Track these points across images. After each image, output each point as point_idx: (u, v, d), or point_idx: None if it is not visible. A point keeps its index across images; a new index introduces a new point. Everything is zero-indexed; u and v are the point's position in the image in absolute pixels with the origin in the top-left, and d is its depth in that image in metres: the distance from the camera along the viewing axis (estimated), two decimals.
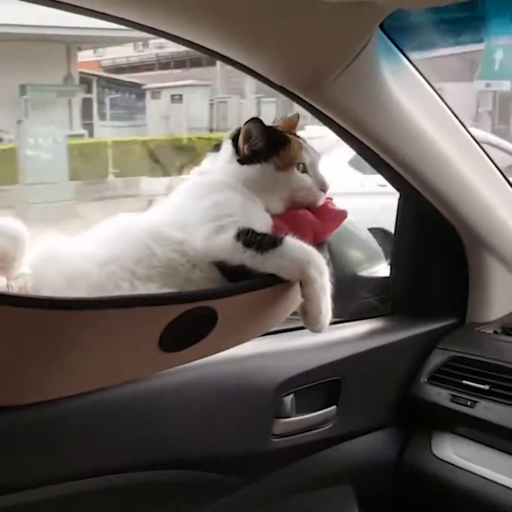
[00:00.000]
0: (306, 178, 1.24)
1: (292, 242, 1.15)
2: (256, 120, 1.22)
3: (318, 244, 1.21)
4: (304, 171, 1.24)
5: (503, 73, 11.39)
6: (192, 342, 1.14)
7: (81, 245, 1.20)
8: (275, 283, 1.16)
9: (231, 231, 1.13)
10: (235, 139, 1.25)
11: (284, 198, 1.24)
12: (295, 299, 1.24)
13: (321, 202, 1.26)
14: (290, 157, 1.23)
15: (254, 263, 1.13)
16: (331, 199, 1.28)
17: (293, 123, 1.32)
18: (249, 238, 1.13)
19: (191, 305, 1.08)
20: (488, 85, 12.42)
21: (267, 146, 1.22)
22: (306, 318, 1.19)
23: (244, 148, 1.23)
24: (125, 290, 1.12)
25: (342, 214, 1.27)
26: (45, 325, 1.02)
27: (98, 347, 1.09)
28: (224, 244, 1.13)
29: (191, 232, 1.16)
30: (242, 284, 1.14)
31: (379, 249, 2.09)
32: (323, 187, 1.25)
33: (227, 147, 1.26)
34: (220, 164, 1.26)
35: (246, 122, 1.23)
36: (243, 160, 1.23)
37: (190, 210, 1.20)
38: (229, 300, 1.12)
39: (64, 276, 1.13)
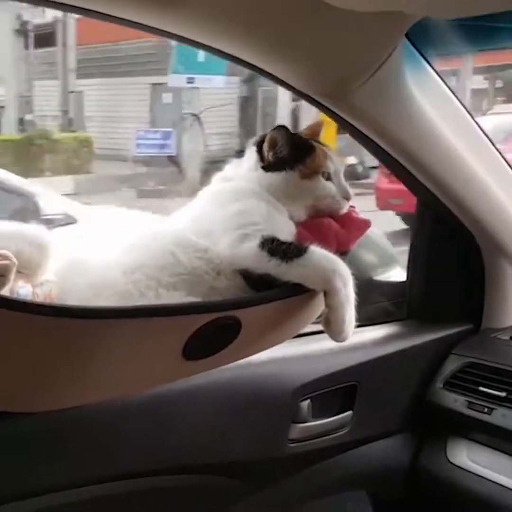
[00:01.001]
0: (330, 186, 1.23)
1: (317, 251, 1.14)
2: (282, 128, 1.22)
3: (342, 253, 1.21)
4: (329, 179, 1.24)
5: (211, 65, 8.59)
6: (215, 350, 1.14)
7: (105, 253, 1.19)
8: (299, 293, 1.15)
9: (255, 239, 1.13)
10: (259, 146, 1.24)
11: (308, 206, 1.23)
12: (318, 308, 1.23)
13: (344, 210, 1.25)
14: (315, 165, 1.23)
15: (279, 272, 1.12)
16: (354, 207, 1.28)
17: (317, 130, 1.32)
18: (274, 246, 1.12)
19: (216, 314, 1.08)
20: (190, 80, 9.30)
21: (292, 154, 1.22)
22: (330, 328, 1.18)
23: (269, 155, 1.22)
24: (150, 298, 1.12)
25: (366, 223, 1.27)
26: (69, 334, 1.02)
27: (121, 356, 1.09)
28: (249, 253, 1.13)
29: (215, 239, 1.16)
30: (266, 293, 1.14)
31: (394, 253, 2.09)
32: (347, 196, 1.25)
33: (250, 154, 1.25)
34: (244, 171, 1.25)
35: (272, 130, 1.22)
36: (267, 167, 1.23)
37: (214, 217, 1.19)
38: (253, 309, 1.12)
39: (89, 284, 1.13)
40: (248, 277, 1.14)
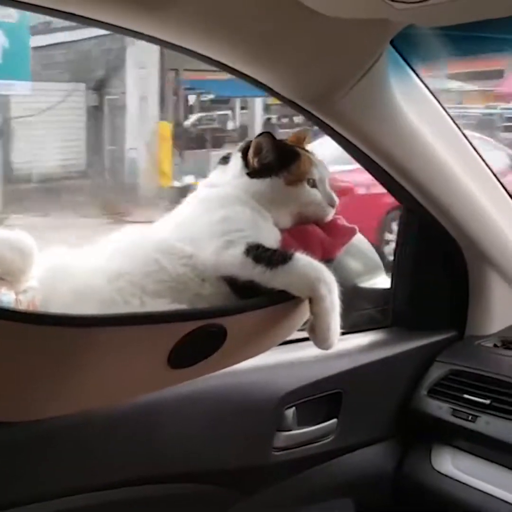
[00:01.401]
0: (315, 193, 1.23)
1: (301, 258, 1.14)
2: (267, 134, 1.21)
3: (327, 260, 1.21)
4: (314, 186, 1.23)
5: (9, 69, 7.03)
6: (201, 358, 1.13)
7: (89, 259, 1.18)
8: (284, 300, 1.15)
9: (240, 246, 1.12)
10: (244, 152, 1.24)
11: (293, 213, 1.23)
12: (303, 315, 1.23)
13: (330, 217, 1.25)
14: (300, 172, 1.22)
15: (264, 279, 1.12)
16: (340, 215, 1.28)
17: (302, 138, 1.31)
18: (258, 253, 1.12)
19: (201, 322, 1.07)
20: None
21: (277, 160, 1.21)
22: (315, 335, 1.18)
23: (254, 162, 1.22)
24: (134, 305, 1.11)
25: (352, 231, 1.26)
26: (53, 342, 1.00)
27: (105, 364, 1.08)
28: (234, 259, 1.12)
29: (200, 246, 1.15)
30: (251, 301, 1.13)
31: (378, 260, 2.09)
32: (332, 203, 1.24)
33: (236, 160, 1.25)
34: (229, 177, 1.25)
35: (257, 136, 1.22)
36: (252, 173, 1.22)
37: (199, 223, 1.18)
38: (239, 317, 1.12)
39: (73, 291, 1.11)
40: (233, 284, 1.14)
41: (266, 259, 1.11)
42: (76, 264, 1.17)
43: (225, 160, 1.28)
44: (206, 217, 1.19)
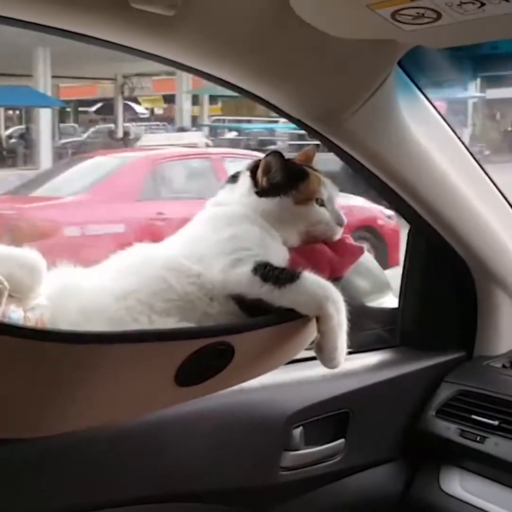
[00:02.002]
0: (324, 212, 1.23)
1: (309, 277, 1.14)
2: (276, 153, 1.22)
3: (335, 279, 1.21)
4: (322, 205, 1.24)
5: None
6: (208, 376, 1.13)
7: (97, 277, 1.19)
8: (292, 319, 1.15)
9: (248, 264, 1.13)
10: (253, 171, 1.24)
11: (302, 232, 1.23)
12: (311, 334, 1.23)
13: (338, 236, 1.25)
14: (309, 191, 1.23)
15: (272, 298, 1.12)
16: (348, 234, 1.28)
17: (309, 156, 1.32)
18: (266, 272, 1.12)
19: (209, 340, 1.08)
20: None
21: (286, 180, 1.22)
22: (321, 354, 1.18)
23: (262, 181, 1.22)
24: (142, 324, 1.11)
25: (360, 250, 1.27)
26: (60, 359, 1.00)
27: (112, 381, 1.08)
28: (241, 278, 1.13)
29: (208, 264, 1.15)
30: (259, 319, 1.13)
31: (386, 279, 2.09)
32: (340, 222, 1.25)
33: (244, 179, 1.25)
34: (237, 196, 1.25)
35: (266, 155, 1.22)
36: (261, 192, 1.22)
37: (207, 241, 1.19)
38: (246, 335, 1.12)
39: (81, 310, 1.12)
40: (241, 302, 1.14)
41: (274, 277, 1.12)
42: (84, 283, 1.17)
43: (233, 178, 1.28)
44: (214, 235, 1.19)
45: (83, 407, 1.08)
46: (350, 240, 1.27)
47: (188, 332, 1.09)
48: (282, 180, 1.21)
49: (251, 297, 1.12)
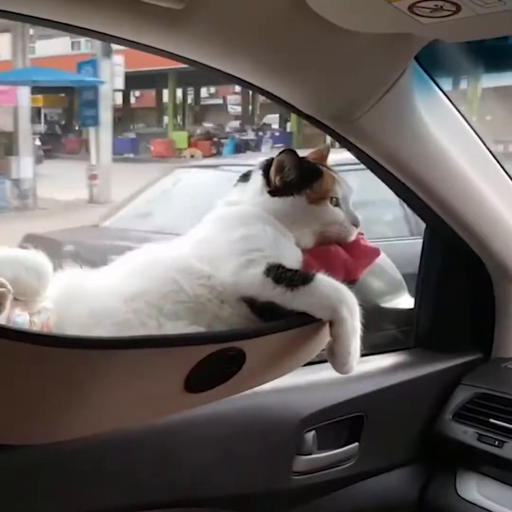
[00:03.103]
0: (339, 212, 1.19)
1: (323, 279, 1.10)
2: (289, 152, 1.18)
3: (350, 282, 1.17)
4: (337, 205, 1.20)
5: None
6: (219, 382, 1.10)
7: (105, 279, 1.16)
8: (304, 324, 1.12)
9: (260, 266, 1.09)
10: (265, 170, 1.21)
11: (316, 232, 1.19)
12: (324, 339, 1.20)
13: (353, 237, 1.22)
14: (323, 190, 1.19)
15: (284, 300, 1.08)
16: (363, 234, 1.24)
17: (323, 155, 1.28)
18: (279, 274, 1.08)
19: (220, 345, 1.04)
20: None
21: (300, 178, 1.18)
22: (334, 359, 1.14)
23: (275, 180, 1.19)
24: (151, 327, 1.08)
25: (375, 252, 1.23)
26: (67, 364, 0.98)
27: (120, 387, 1.05)
28: (253, 280, 1.09)
29: (219, 266, 1.12)
30: (271, 324, 1.10)
31: (401, 279, 2.06)
32: (355, 222, 1.21)
33: (257, 178, 1.22)
34: (249, 195, 1.21)
35: (279, 153, 1.19)
36: (274, 191, 1.19)
37: (218, 242, 1.15)
38: (258, 340, 1.08)
39: (88, 313, 1.09)
40: (253, 305, 1.11)
41: (287, 279, 1.08)
42: (91, 285, 1.14)
43: (245, 177, 1.25)
44: (226, 235, 1.16)
45: (91, 413, 1.06)
46: (366, 241, 1.23)
47: (199, 337, 1.06)
48: (296, 178, 1.18)
49: (263, 300, 1.09)
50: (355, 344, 1.13)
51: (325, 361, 1.69)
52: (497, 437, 1.62)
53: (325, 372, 1.67)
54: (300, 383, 1.62)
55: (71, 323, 1.08)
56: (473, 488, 1.68)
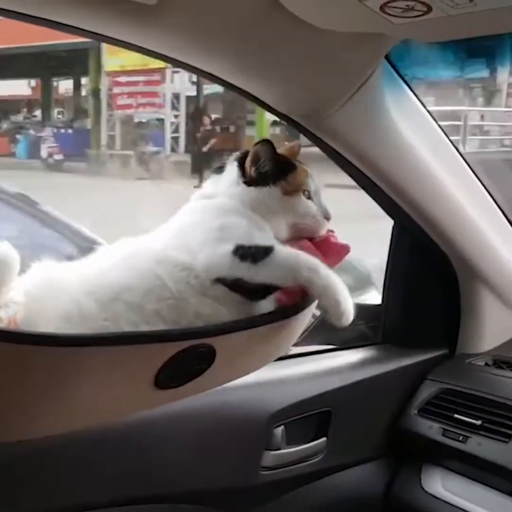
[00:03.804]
0: (312, 205, 1.20)
1: (282, 250, 1.11)
2: (265, 142, 1.18)
3: None
4: (309, 198, 1.21)
5: None
6: (189, 379, 1.09)
7: (82, 275, 1.12)
8: (274, 320, 1.12)
9: (229, 245, 1.10)
10: (241, 161, 1.21)
11: (289, 224, 1.19)
12: (295, 334, 1.21)
13: (324, 231, 1.22)
14: (297, 182, 1.20)
15: (249, 276, 1.09)
16: (333, 231, 1.25)
17: (294, 151, 1.28)
18: (244, 251, 1.09)
19: (189, 342, 1.04)
20: None
21: (275, 169, 1.18)
22: (330, 316, 1.14)
23: (251, 171, 1.18)
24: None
25: (345, 249, 1.23)
26: (36, 362, 0.97)
27: (90, 384, 1.03)
28: (223, 259, 1.09)
29: (196, 254, 1.11)
30: (241, 320, 1.10)
31: (369, 275, 2.07)
32: (327, 216, 1.22)
33: (232, 169, 1.21)
34: (224, 187, 1.21)
35: (256, 144, 1.18)
36: (250, 182, 1.19)
37: (194, 232, 1.15)
38: (228, 336, 1.08)
39: (63, 315, 1.06)
40: (240, 289, 1.10)
41: (251, 255, 1.09)
42: (67, 281, 1.11)
43: (219, 169, 1.24)
44: (203, 226, 1.15)
45: (60, 411, 1.05)
46: (336, 238, 1.24)
47: (168, 334, 1.05)
48: (271, 169, 1.18)
49: (231, 278, 1.09)
50: (340, 295, 1.12)
51: (293, 356, 1.72)
52: (461, 432, 1.65)
53: (294, 368, 1.68)
54: (269, 378, 1.63)
55: (43, 322, 1.05)
56: (438, 482, 1.70)
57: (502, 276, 1.83)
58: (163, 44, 1.22)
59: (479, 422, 1.63)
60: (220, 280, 1.10)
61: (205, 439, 1.51)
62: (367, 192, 1.67)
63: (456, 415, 1.68)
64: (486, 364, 1.84)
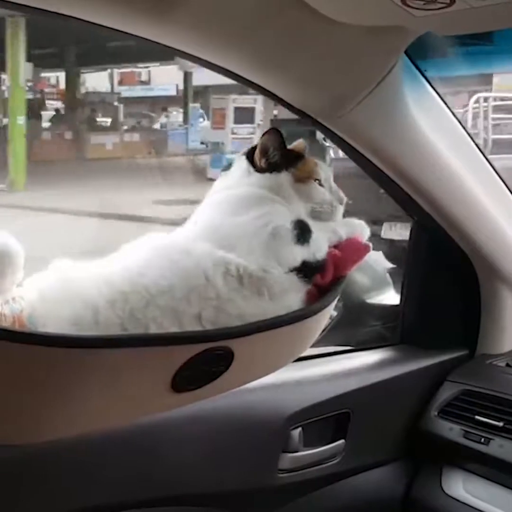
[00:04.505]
0: (324, 191, 1.18)
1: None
2: (273, 131, 1.16)
3: (338, 278, 1.15)
4: (320, 185, 1.18)
5: None
6: (206, 382, 1.07)
7: (102, 275, 1.06)
8: (294, 321, 1.10)
9: (284, 233, 1.08)
10: (249, 155, 1.18)
11: (307, 211, 1.16)
12: (314, 334, 1.18)
13: (340, 216, 1.20)
14: (308, 170, 1.18)
15: (310, 255, 1.09)
16: None
17: (301, 149, 1.26)
18: (299, 233, 1.09)
19: (208, 345, 1.02)
20: None
21: (284, 158, 1.16)
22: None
23: (261, 162, 1.16)
24: None
25: (366, 248, 1.20)
26: (48, 363, 0.95)
27: (105, 386, 1.02)
28: (287, 247, 1.08)
29: (246, 249, 1.07)
30: (260, 322, 1.07)
31: (387, 275, 2.04)
32: (340, 200, 1.20)
33: (240, 163, 1.19)
34: (235, 179, 1.17)
35: (263, 134, 1.17)
36: (261, 171, 1.16)
37: (231, 226, 1.10)
38: (247, 339, 1.06)
39: (74, 319, 1.01)
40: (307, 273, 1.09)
41: (303, 236, 1.09)
42: (86, 281, 1.04)
43: (228, 167, 1.22)
44: (239, 219, 1.10)
45: (73, 413, 1.03)
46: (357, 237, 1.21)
47: (186, 337, 1.02)
48: (281, 158, 1.16)
49: (298, 264, 1.08)
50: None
51: (310, 357, 1.69)
52: (483, 434, 1.61)
53: (311, 369, 1.66)
54: (286, 380, 1.60)
55: (53, 325, 1.00)
56: (459, 485, 1.67)
57: None
58: (179, 39, 1.20)
59: (501, 424, 1.60)
60: (294, 270, 1.08)
61: (221, 441, 1.49)
62: (386, 190, 1.64)
63: (477, 417, 1.65)
64: (507, 365, 1.80)
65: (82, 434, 1.19)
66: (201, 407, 1.39)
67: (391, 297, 1.98)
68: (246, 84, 1.31)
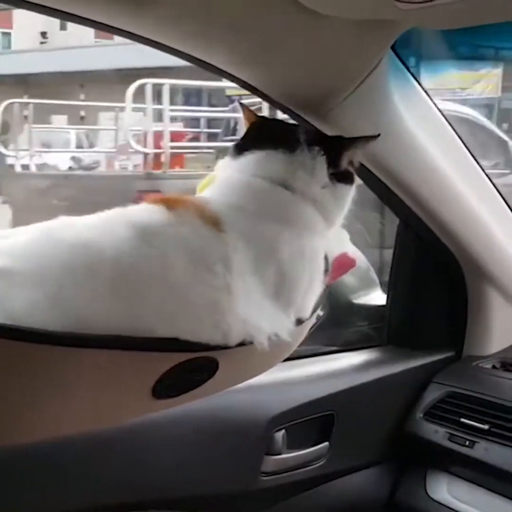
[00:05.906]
0: None
1: None
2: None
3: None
4: None
5: None
6: (188, 389, 1.04)
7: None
8: None
9: None
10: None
11: None
12: (299, 337, 1.15)
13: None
14: None
15: None
16: None
17: None
18: None
19: (193, 354, 0.98)
20: None
21: None
22: None
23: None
24: None
25: (351, 263, 1.18)
26: (30, 360, 0.91)
27: (83, 389, 0.98)
28: None
29: None
30: None
31: (374, 275, 2.02)
32: None
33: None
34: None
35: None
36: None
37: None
38: (234, 350, 1.02)
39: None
40: None
41: None
42: None
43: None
44: None
45: (52, 415, 0.99)
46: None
47: (171, 344, 0.98)
48: None
49: None
50: None
51: (295, 358, 1.67)
52: (468, 437, 1.59)
53: (295, 370, 1.64)
54: (270, 381, 1.57)
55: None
56: (443, 488, 1.65)
57: (511, 276, 1.77)
58: (161, 33, 1.17)
59: (486, 427, 1.58)
60: None
61: (203, 443, 1.46)
62: (370, 188, 1.62)
63: (462, 420, 1.63)
64: (494, 367, 1.79)
65: (63, 436, 1.16)
66: (182, 409, 1.35)
67: (378, 297, 1.96)
68: (230, 79, 1.29)
